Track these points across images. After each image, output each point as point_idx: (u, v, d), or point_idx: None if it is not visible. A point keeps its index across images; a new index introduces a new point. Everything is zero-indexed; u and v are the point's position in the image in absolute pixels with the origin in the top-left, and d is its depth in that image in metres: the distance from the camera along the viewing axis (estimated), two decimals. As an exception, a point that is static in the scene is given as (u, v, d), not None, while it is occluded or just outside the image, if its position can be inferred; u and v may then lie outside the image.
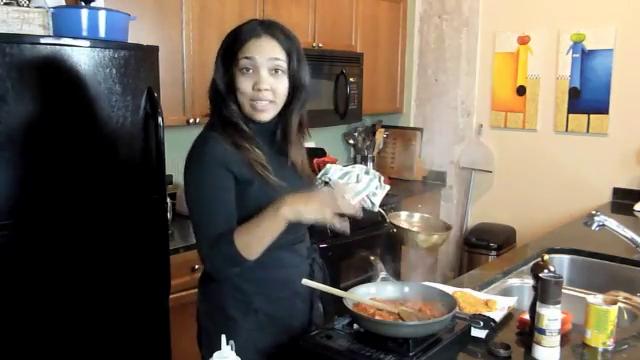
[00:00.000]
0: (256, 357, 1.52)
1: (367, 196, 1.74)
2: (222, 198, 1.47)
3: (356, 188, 1.71)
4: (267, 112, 1.51)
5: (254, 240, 1.43)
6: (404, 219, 1.96)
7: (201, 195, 1.48)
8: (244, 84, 1.48)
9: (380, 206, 1.76)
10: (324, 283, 1.64)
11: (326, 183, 1.69)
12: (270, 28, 1.50)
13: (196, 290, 1.66)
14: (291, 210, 1.40)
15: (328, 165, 1.75)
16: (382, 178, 1.76)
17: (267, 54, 1.48)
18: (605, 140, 3.56)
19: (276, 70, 1.49)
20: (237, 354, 1.24)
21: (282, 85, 1.51)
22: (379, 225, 3.23)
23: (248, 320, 1.54)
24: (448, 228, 1.95)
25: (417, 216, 1.99)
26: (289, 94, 1.53)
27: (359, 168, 1.75)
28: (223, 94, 1.51)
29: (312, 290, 1.61)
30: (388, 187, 1.78)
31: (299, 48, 1.54)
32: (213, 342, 1.38)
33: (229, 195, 1.48)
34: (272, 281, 1.56)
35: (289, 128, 1.57)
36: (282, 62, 1.49)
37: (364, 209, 1.78)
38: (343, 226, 1.43)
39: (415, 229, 1.92)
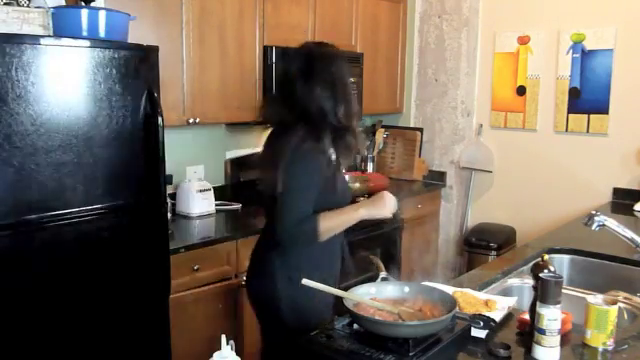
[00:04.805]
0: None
1: None
2: (318, 185, 1.74)
3: None
4: None
5: (333, 228, 1.77)
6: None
7: (304, 179, 1.72)
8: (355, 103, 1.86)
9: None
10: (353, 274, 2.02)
11: None
12: None
13: (196, 290, 1.67)
14: (367, 210, 1.80)
15: None
16: None
17: None
18: (605, 140, 3.55)
19: None
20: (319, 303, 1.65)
21: None
22: (379, 225, 3.23)
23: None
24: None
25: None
26: None
27: None
28: (336, 107, 1.78)
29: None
30: None
31: None
32: (300, 305, 1.76)
33: (320, 184, 1.75)
34: (325, 265, 1.87)
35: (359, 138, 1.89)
36: None
37: None
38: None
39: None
